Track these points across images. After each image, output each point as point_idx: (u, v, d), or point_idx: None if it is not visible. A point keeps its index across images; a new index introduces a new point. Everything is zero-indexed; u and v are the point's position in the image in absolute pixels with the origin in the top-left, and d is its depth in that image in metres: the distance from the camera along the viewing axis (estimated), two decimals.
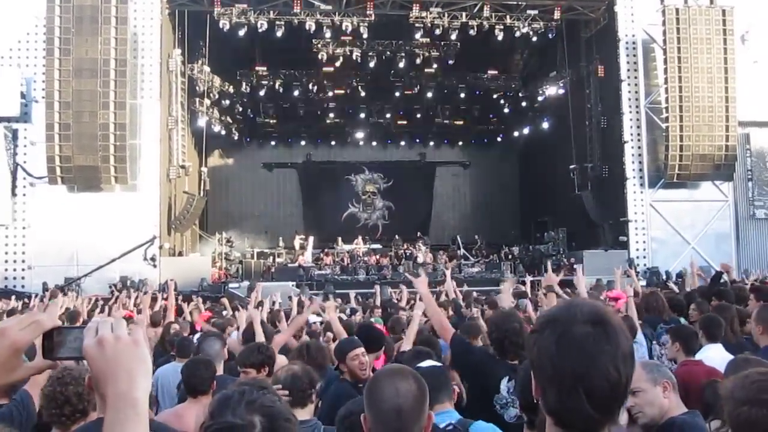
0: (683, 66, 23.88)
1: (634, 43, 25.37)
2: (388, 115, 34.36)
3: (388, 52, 28.62)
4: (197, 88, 26.93)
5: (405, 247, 29.22)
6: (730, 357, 4.67)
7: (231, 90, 29.88)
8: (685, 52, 23.90)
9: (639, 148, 25.24)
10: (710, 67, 23.97)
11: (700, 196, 25.33)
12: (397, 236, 30.59)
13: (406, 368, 2.90)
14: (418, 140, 36.58)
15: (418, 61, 28.79)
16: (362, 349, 5.16)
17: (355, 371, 5.00)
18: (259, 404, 2.00)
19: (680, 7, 24.17)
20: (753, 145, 26.57)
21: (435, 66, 29.57)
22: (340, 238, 29.67)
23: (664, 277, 22.23)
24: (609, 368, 1.62)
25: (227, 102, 30.02)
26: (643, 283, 19.83)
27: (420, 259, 27.54)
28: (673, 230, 24.79)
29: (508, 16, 25.70)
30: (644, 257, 24.75)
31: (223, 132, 31.22)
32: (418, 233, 30.81)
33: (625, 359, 1.66)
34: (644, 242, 24.92)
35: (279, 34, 25.08)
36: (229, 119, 31.50)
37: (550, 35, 26.40)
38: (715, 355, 5.15)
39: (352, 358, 5.06)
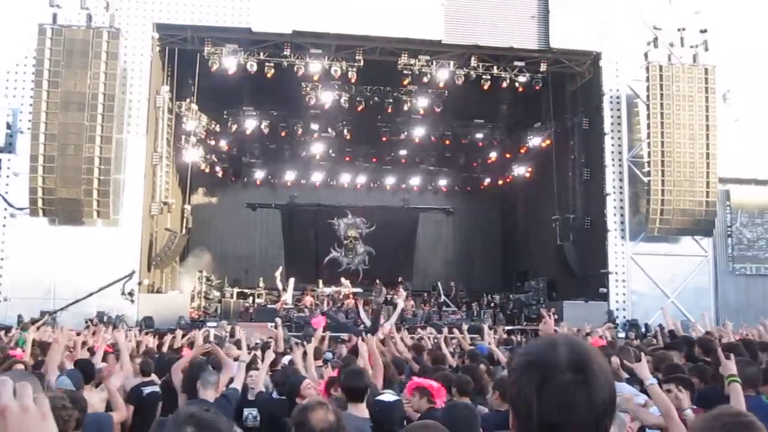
0: (666, 122, 24.21)
1: (618, 97, 25.72)
2: (373, 160, 34.47)
3: (376, 98, 28.82)
4: (184, 125, 26.91)
5: (385, 292, 29.04)
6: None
7: (218, 129, 29.92)
8: (668, 109, 24.26)
9: (621, 200, 25.41)
10: (692, 123, 24.33)
11: (680, 250, 25.43)
12: (377, 281, 30.41)
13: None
14: (402, 186, 36.67)
15: (405, 107, 29.00)
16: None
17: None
18: (193, 416, 1.97)
19: (664, 65, 24.61)
20: (733, 202, 26.91)
21: (422, 113, 29.71)
22: (320, 281, 29.50)
23: (644, 329, 22.26)
24: (589, 419, 1.60)
25: (213, 141, 30.05)
26: (622, 334, 19.88)
27: (400, 305, 27.31)
28: (653, 283, 24.85)
29: (495, 67, 26.06)
30: (624, 309, 24.74)
31: (208, 170, 31.24)
32: (399, 279, 30.63)
33: (605, 407, 1.63)
34: (624, 294, 24.93)
35: (268, 75, 25.21)
36: (214, 158, 31.49)
37: (536, 87, 26.67)
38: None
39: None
